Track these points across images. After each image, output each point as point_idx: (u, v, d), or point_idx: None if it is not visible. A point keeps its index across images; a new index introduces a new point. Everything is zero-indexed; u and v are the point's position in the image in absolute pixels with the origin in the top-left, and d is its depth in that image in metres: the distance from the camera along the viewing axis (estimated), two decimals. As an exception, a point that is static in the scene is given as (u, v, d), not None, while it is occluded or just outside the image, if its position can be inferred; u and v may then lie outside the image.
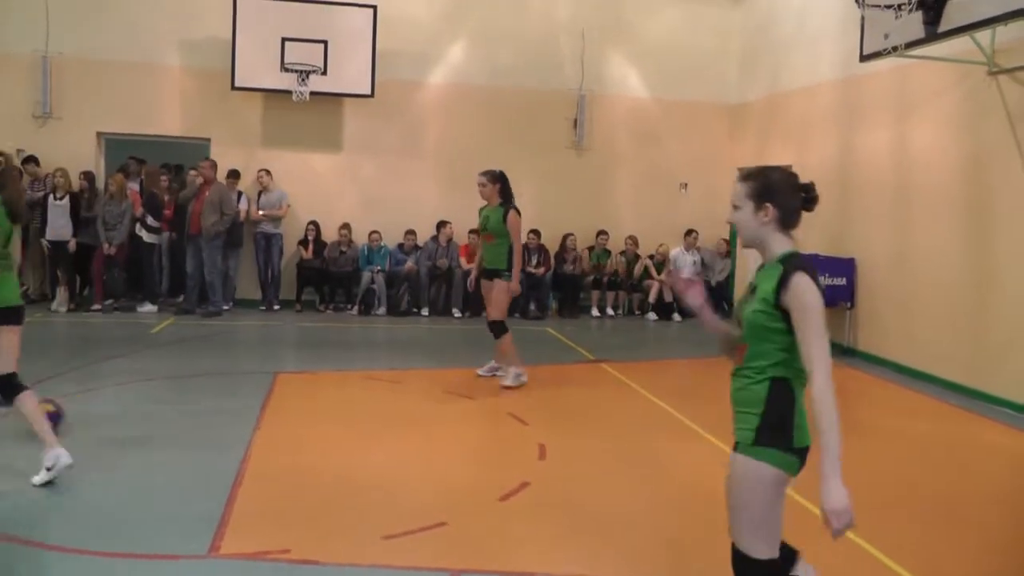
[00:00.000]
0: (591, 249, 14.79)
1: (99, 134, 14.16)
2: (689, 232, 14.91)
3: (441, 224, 14.16)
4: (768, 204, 3.20)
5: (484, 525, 5.36)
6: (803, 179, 3.26)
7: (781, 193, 3.20)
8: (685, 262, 14.84)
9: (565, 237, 14.48)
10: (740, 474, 3.21)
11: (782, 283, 3.08)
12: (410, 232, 14.15)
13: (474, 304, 13.91)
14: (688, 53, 15.28)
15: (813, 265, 3.13)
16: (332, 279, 14.04)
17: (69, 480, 5.87)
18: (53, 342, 11.11)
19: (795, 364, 3.12)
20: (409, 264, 13.98)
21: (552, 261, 14.52)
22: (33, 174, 13.25)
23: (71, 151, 13.59)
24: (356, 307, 13.83)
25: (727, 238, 15.34)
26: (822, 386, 3.00)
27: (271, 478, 6.08)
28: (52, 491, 5.67)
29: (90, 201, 13.05)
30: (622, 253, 14.84)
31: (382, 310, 13.84)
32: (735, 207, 3.29)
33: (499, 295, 9.09)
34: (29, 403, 5.89)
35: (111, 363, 9.62)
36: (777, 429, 3.13)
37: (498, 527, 5.32)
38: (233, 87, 13.67)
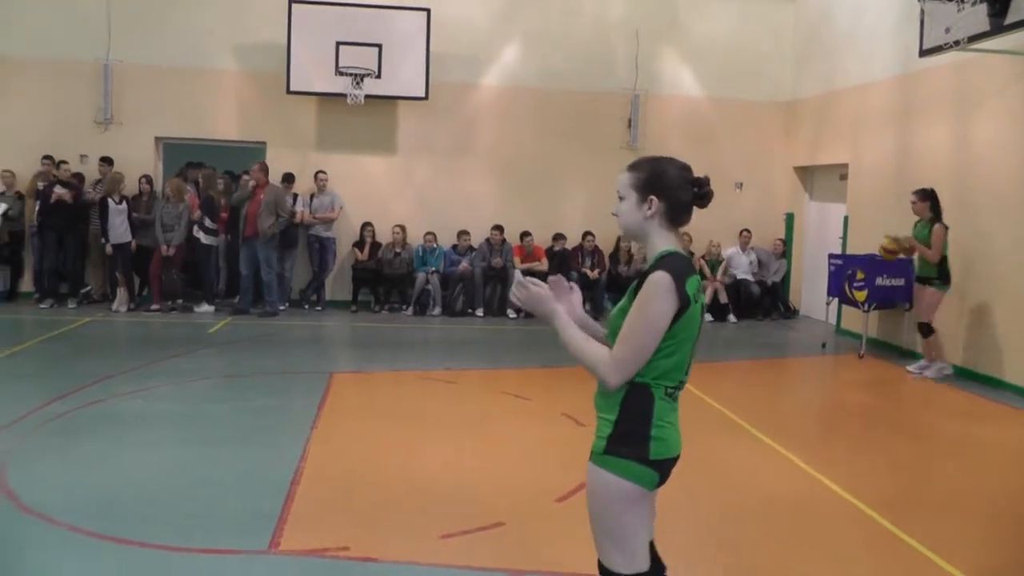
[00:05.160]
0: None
1: (157, 139, 14.40)
2: (743, 231, 14.77)
3: (496, 228, 14.18)
4: (653, 197, 2.96)
5: (542, 526, 5.33)
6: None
7: (668, 186, 2.96)
8: (740, 262, 14.71)
9: (619, 238, 14.40)
10: (591, 484, 2.99)
11: (642, 281, 2.88)
12: (464, 233, 14.18)
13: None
14: (742, 51, 15.13)
15: (687, 270, 2.88)
16: (387, 280, 14.10)
17: (130, 476, 6.00)
18: (114, 341, 11.32)
19: (658, 371, 2.90)
20: (464, 265, 14.00)
21: (607, 262, 14.46)
22: (104, 173, 13.49)
23: (131, 155, 13.84)
24: (411, 308, 13.87)
25: (783, 238, 15.17)
26: (604, 368, 2.87)
27: (329, 476, 6.12)
28: (114, 486, 5.78)
29: (148, 204, 13.28)
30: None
31: (437, 311, 13.87)
32: (620, 197, 3.04)
33: (931, 300, 10.09)
34: None
35: (170, 362, 9.76)
36: (630, 438, 2.90)
37: (556, 528, 5.29)
38: (288, 91, 13.79)
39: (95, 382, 8.56)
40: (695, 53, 15.11)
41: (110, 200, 12.97)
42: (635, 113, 14.89)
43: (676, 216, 2.98)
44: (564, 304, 3.09)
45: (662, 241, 2.98)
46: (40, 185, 13.16)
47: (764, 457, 6.97)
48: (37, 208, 13.10)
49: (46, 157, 13.40)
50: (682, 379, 2.98)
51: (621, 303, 2.97)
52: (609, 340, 2.97)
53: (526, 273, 13.35)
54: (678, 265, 2.87)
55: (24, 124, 13.66)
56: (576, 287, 3.25)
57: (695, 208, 3.02)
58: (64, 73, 13.81)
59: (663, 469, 2.95)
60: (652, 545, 3.18)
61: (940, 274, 10.03)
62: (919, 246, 10.15)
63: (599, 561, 3.06)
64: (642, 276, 2.91)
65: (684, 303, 2.84)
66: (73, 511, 5.27)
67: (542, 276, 13.99)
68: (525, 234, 14.15)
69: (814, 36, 14.63)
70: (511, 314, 13.88)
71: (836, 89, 13.75)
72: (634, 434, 2.90)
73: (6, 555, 4.77)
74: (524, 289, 3.03)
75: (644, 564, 3.02)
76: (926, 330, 10.15)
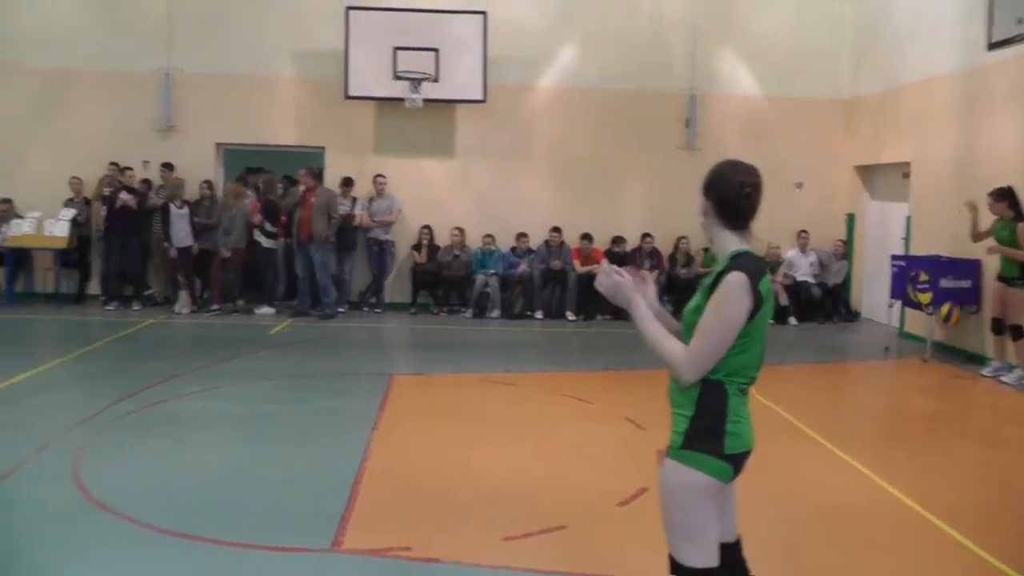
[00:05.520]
0: (706, 250, 14.51)
1: (218, 145, 14.65)
2: (801, 232, 14.53)
3: (555, 230, 14.15)
4: (704, 197, 3.13)
5: (604, 530, 5.30)
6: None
7: (718, 188, 3.10)
8: (800, 263, 14.51)
9: (679, 240, 14.29)
10: (667, 479, 3.08)
11: (717, 280, 2.98)
12: (523, 235, 14.19)
13: (588, 307, 13.87)
14: (800, 48, 14.88)
15: (760, 270, 3.01)
16: (446, 282, 14.17)
17: (195, 473, 6.11)
18: (177, 343, 11.53)
19: (731, 367, 3.01)
20: (522, 267, 14.01)
21: (666, 264, 14.36)
22: (165, 179, 13.80)
23: (192, 161, 14.15)
24: (470, 310, 13.91)
25: (843, 239, 14.93)
26: (679, 360, 2.97)
27: (391, 477, 6.16)
28: (180, 483, 5.90)
29: (210, 208, 13.52)
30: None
31: (496, 313, 13.89)
32: None
33: (1017, 301, 9.78)
34: None
35: (232, 363, 9.91)
36: (707, 433, 3.00)
37: (619, 532, 5.26)
38: (346, 96, 13.93)
39: (160, 382, 8.71)
40: (752, 51, 14.93)
41: (172, 205, 13.27)
42: (693, 112, 14.77)
43: (729, 217, 3.09)
44: (641, 294, 3.20)
45: (728, 241, 3.10)
46: (106, 191, 13.58)
47: (827, 463, 6.85)
48: (103, 214, 13.50)
49: (112, 163, 13.76)
50: (753, 375, 3.11)
51: (695, 301, 3.07)
52: (683, 336, 3.06)
53: (588, 275, 13.27)
54: (751, 265, 2.99)
55: (90, 133, 14.10)
56: (650, 278, 3.34)
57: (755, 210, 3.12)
58: (127, 83, 14.18)
59: (737, 462, 3.07)
60: (739, 548, 3.34)
61: (1022, 274, 9.78)
62: (1004, 248, 9.87)
63: (670, 556, 3.12)
64: (716, 275, 3.00)
65: (758, 303, 2.96)
66: (140, 507, 5.39)
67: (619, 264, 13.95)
68: (584, 236, 14.11)
69: (874, 31, 14.38)
70: (570, 316, 13.85)
71: (898, 85, 13.49)
72: (710, 430, 3.01)
73: (78, 548, 4.89)
74: (608, 277, 3.14)
75: (715, 559, 3.07)
76: (1016, 333, 9.79)
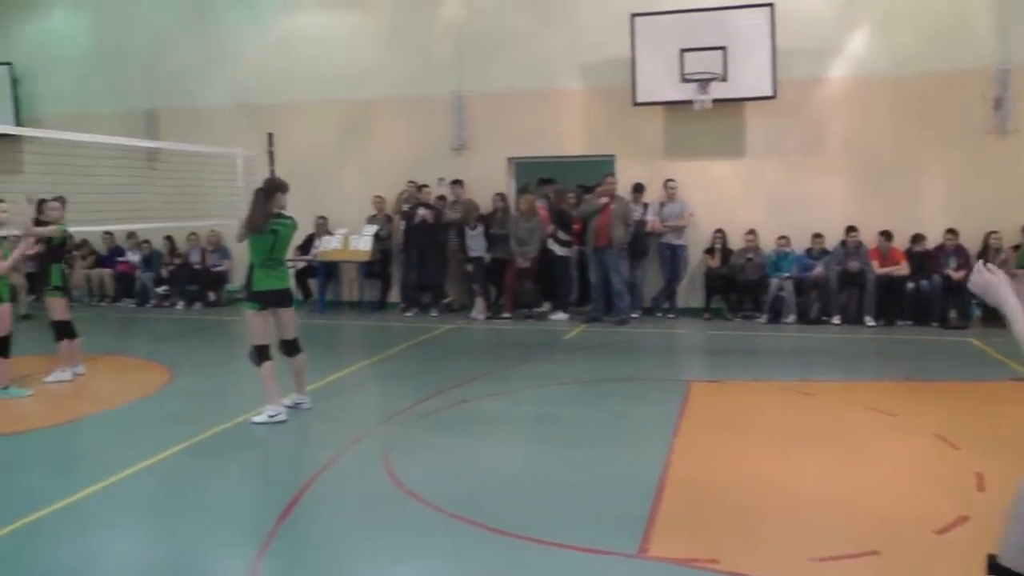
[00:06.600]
0: (1016, 248, 13.12)
1: (509, 159, 15.14)
2: None
3: (850, 229, 13.37)
4: None
5: (920, 560, 4.84)
6: None
7: None
8: None
9: (988, 235, 12.97)
10: None
11: None
12: (817, 236, 13.52)
13: (889, 312, 13.02)
14: None
15: None
16: (739, 287, 13.80)
17: (498, 471, 6.37)
18: (473, 347, 11.92)
19: None
20: (818, 269, 13.37)
21: (973, 263, 13.10)
22: (456, 195, 14.54)
23: (484, 176, 14.79)
24: (765, 315, 13.46)
25: None
26: None
27: (694, 485, 6.01)
28: (483, 479, 6.18)
29: (503, 219, 13.95)
30: (1050, 248, 12.94)
31: (791, 318, 13.33)
32: None
33: None
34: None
35: (528, 367, 10.15)
36: None
37: (937, 564, 4.80)
38: (634, 103, 13.89)
39: (460, 384, 9.08)
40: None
41: (466, 228, 13.97)
42: (1003, 91, 13.20)
43: None
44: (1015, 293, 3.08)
45: None
46: (405, 207, 14.55)
47: None
48: (403, 228, 14.50)
49: (410, 181, 14.75)
50: None
51: None
52: None
53: (888, 277, 12.44)
54: None
55: (390, 155, 15.31)
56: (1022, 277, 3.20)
57: None
58: (422, 108, 15.21)
59: None
60: None
61: None
62: None
63: (991, 559, 3.06)
64: None
65: None
66: (448, 498, 5.65)
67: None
68: (883, 234, 13.22)
69: None
70: (869, 321, 13.05)
71: None
72: None
73: (392, 531, 5.20)
74: (981, 275, 3.09)
75: None
76: None
